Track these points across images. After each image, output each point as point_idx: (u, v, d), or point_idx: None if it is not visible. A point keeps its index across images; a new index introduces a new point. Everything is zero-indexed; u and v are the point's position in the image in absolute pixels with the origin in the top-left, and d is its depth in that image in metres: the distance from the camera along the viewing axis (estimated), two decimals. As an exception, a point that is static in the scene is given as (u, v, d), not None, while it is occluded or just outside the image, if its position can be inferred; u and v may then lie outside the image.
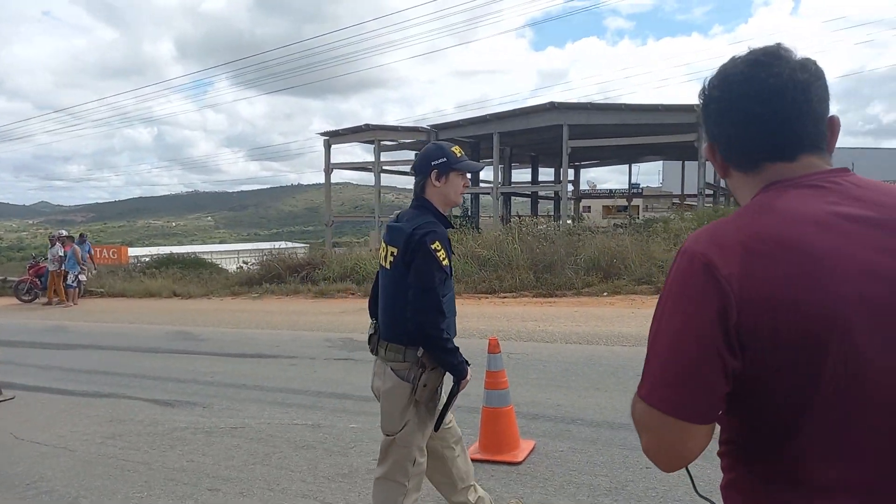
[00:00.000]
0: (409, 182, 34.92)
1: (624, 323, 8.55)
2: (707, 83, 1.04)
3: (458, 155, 2.59)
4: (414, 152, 31.64)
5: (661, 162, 41.32)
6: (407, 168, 33.53)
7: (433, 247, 2.41)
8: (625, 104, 22.58)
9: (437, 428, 2.65)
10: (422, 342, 2.48)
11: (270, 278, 16.60)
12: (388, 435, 2.60)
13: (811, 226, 0.90)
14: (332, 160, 30.04)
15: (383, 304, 2.62)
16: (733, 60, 1.02)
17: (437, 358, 2.50)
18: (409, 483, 2.58)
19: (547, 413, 4.92)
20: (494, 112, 25.55)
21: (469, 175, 2.67)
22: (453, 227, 2.80)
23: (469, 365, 2.60)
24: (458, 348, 2.53)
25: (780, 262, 0.87)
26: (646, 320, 6.59)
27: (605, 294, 11.42)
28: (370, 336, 2.73)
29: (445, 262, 2.45)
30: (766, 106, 0.97)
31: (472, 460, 3.27)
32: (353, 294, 14.20)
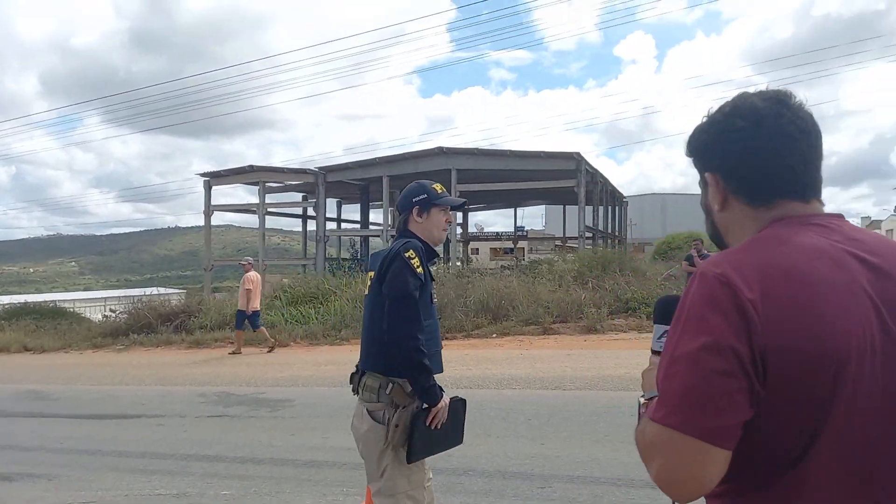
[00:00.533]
0: (295, 224, 34.16)
1: (513, 365, 8.55)
2: (724, 112, 1.05)
3: (440, 191, 2.61)
4: (301, 194, 30.97)
5: (543, 206, 43.09)
6: (293, 210, 32.76)
7: (406, 255, 2.40)
8: (509, 150, 23.38)
9: (408, 459, 2.41)
10: (397, 359, 2.36)
11: (139, 328, 15.31)
12: (370, 483, 2.46)
13: (826, 260, 0.93)
14: (214, 202, 28.73)
15: (364, 334, 2.56)
16: (754, 95, 1.04)
17: (410, 377, 2.37)
18: None
19: (437, 465, 4.69)
20: (384, 156, 25.62)
21: (452, 210, 2.67)
22: (438, 257, 2.73)
23: (443, 392, 2.45)
24: (431, 370, 2.40)
25: (799, 291, 0.89)
26: (534, 361, 6.61)
27: (494, 335, 11.47)
28: (352, 375, 2.58)
29: (420, 270, 2.40)
30: (795, 145, 1.00)
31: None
32: (231, 342, 13.35)
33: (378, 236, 27.51)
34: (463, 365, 8.70)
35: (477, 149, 23.37)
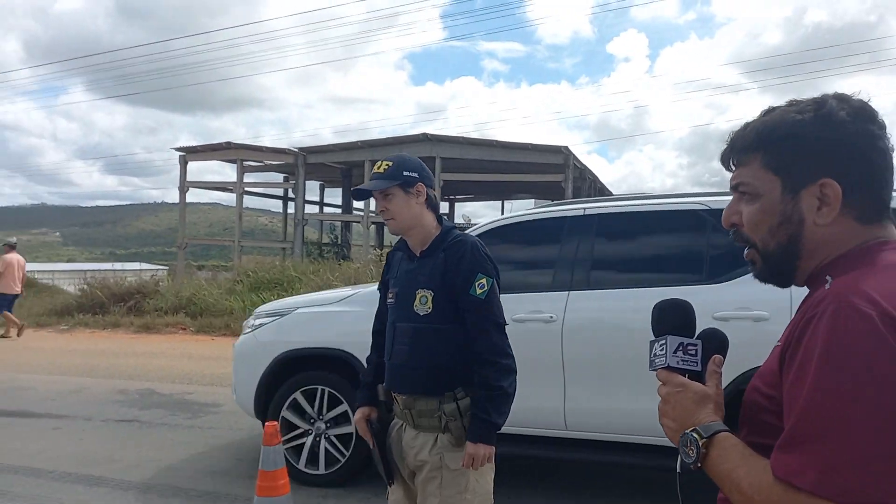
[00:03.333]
0: (279, 206, 33.19)
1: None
2: (847, 114, 0.94)
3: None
4: (282, 175, 29.97)
5: (532, 200, 42.29)
6: (273, 191, 31.75)
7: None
8: (497, 141, 22.61)
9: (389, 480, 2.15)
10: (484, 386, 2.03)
11: (91, 307, 14.39)
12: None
13: None
14: (196, 178, 27.78)
15: (411, 359, 2.11)
16: (854, 100, 0.97)
17: (495, 406, 2.01)
18: None
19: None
20: (366, 139, 24.76)
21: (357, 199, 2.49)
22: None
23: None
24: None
25: None
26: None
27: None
28: (384, 404, 2.22)
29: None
30: (892, 159, 0.97)
31: None
32: (184, 329, 12.47)
33: (359, 222, 26.68)
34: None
35: (463, 137, 22.56)
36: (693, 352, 1.01)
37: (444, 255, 2.04)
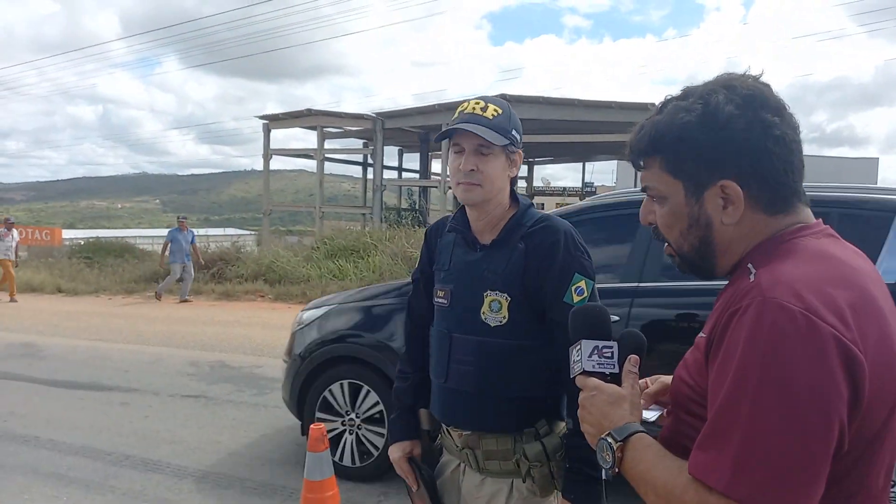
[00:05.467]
0: (360, 172, 33.34)
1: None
2: (737, 105, 0.91)
3: (454, 118, 1.53)
4: (361, 140, 29.95)
5: (615, 161, 40.66)
6: (353, 157, 31.85)
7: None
8: (578, 100, 21.54)
9: None
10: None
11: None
12: None
13: (866, 277, 0.88)
14: (282, 145, 28.31)
15: (492, 385, 1.56)
16: (745, 80, 0.94)
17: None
18: None
19: None
20: (444, 102, 24.20)
21: (464, 147, 1.52)
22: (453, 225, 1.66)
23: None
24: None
25: (871, 319, 0.83)
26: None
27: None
28: (463, 452, 1.60)
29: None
30: (798, 137, 0.95)
31: None
32: (262, 296, 12.57)
33: (436, 187, 26.32)
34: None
35: (542, 97, 21.57)
36: (609, 354, 1.01)
37: (524, 246, 1.50)
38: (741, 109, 0.91)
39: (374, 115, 25.67)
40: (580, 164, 34.40)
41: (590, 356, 1.01)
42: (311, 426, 2.74)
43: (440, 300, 1.60)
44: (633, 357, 1.01)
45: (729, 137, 0.90)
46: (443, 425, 1.63)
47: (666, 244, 1.03)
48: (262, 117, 27.32)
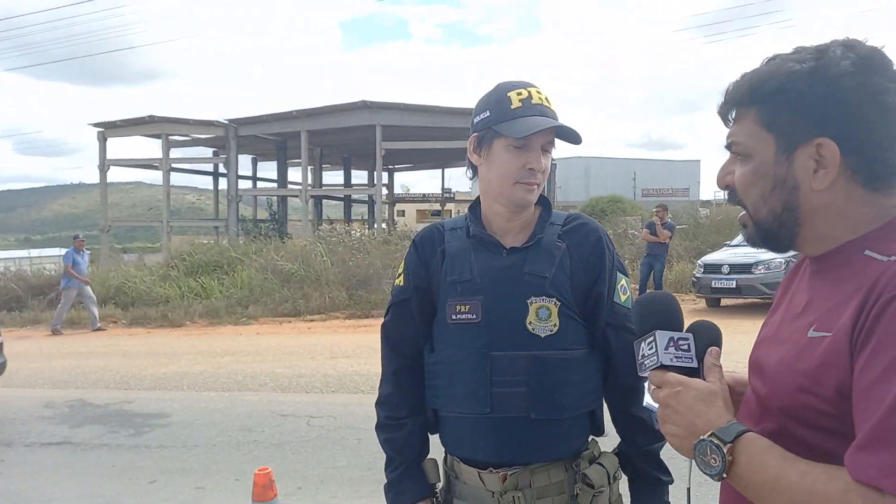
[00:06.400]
0: (208, 182, 31.29)
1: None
2: (848, 64, 0.84)
3: (514, 105, 1.33)
4: (211, 149, 28.21)
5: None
6: (202, 167, 29.91)
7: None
8: (439, 106, 21.87)
9: None
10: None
11: (6, 302, 12.97)
12: None
13: None
14: (115, 156, 25.83)
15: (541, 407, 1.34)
16: (864, 47, 0.87)
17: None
18: None
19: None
20: (302, 108, 23.49)
21: (536, 146, 1.35)
22: (486, 239, 1.40)
23: None
24: None
25: None
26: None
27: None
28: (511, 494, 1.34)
29: (399, 282, 1.49)
30: None
31: None
32: (115, 322, 11.34)
33: (297, 196, 25.45)
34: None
35: (403, 103, 21.64)
36: (685, 346, 0.93)
37: (565, 246, 1.36)
38: (855, 67, 0.85)
39: (226, 121, 24.30)
40: (439, 171, 34.97)
41: (666, 349, 0.91)
42: (256, 470, 2.38)
43: (463, 316, 1.35)
44: (714, 349, 0.93)
45: (834, 94, 0.85)
46: (457, 473, 1.40)
47: (742, 213, 0.96)
48: (96, 125, 24.91)
